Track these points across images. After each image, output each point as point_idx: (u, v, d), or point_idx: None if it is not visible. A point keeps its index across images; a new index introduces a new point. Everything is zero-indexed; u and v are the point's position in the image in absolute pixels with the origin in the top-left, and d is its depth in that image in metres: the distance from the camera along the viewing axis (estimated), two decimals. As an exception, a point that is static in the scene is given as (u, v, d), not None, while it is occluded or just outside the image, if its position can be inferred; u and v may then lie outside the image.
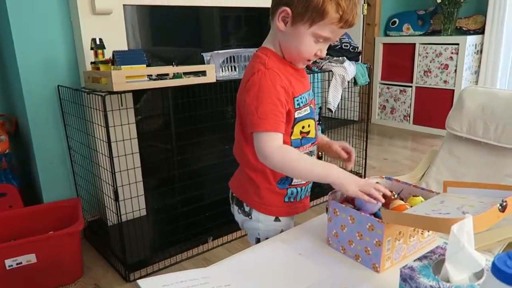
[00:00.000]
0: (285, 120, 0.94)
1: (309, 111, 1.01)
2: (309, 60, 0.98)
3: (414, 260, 0.67)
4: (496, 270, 0.45)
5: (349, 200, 0.98)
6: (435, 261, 0.66)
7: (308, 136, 1.02)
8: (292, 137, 0.99)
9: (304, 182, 1.07)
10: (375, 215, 0.89)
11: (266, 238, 1.07)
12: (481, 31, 3.76)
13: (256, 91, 0.91)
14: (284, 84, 0.93)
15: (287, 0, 0.89)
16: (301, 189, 1.09)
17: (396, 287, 0.68)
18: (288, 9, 0.89)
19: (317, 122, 1.10)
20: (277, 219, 1.07)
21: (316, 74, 2.67)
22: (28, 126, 1.96)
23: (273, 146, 0.91)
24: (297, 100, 0.96)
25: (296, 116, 0.97)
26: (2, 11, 1.86)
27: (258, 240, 1.10)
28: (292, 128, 0.98)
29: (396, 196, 0.98)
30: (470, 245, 0.60)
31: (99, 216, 2.17)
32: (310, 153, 1.06)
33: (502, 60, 3.67)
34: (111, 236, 1.97)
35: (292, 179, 1.04)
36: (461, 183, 0.92)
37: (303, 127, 1.00)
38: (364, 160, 2.73)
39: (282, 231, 1.07)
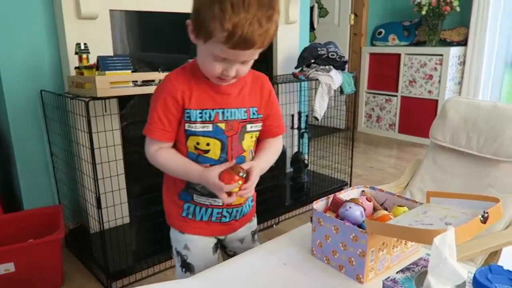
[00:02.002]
0: (176, 129, 0.95)
1: (211, 129, 0.94)
2: (222, 79, 0.90)
3: (397, 272, 0.67)
4: (477, 284, 0.45)
5: (334, 210, 0.98)
6: (417, 273, 0.66)
7: (206, 155, 0.95)
8: (188, 150, 0.96)
9: (209, 204, 1.00)
10: (360, 225, 0.89)
11: (175, 248, 1.06)
12: (464, 42, 3.84)
13: (152, 98, 0.96)
14: (177, 94, 0.91)
15: (191, 13, 0.86)
16: (202, 209, 1.01)
17: (379, 299, 0.68)
18: (190, 23, 0.86)
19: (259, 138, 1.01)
20: (181, 231, 1.04)
21: (302, 82, 2.68)
22: (9, 131, 1.91)
23: (150, 151, 0.96)
24: (188, 113, 0.92)
25: (186, 128, 0.93)
26: (-16, 13, 1.82)
27: (172, 247, 1.08)
28: (186, 139, 0.95)
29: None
30: (452, 257, 0.60)
31: (81, 223, 2.12)
32: None
33: (484, 71, 3.74)
34: (93, 244, 1.93)
35: (192, 195, 1.00)
36: (444, 193, 0.93)
37: (197, 143, 0.94)
38: (350, 168, 2.75)
39: (186, 246, 1.03)
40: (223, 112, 0.95)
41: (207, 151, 0.95)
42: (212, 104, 0.94)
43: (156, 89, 0.96)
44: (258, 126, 1.01)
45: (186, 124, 0.93)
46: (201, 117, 0.93)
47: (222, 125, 0.95)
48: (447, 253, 0.60)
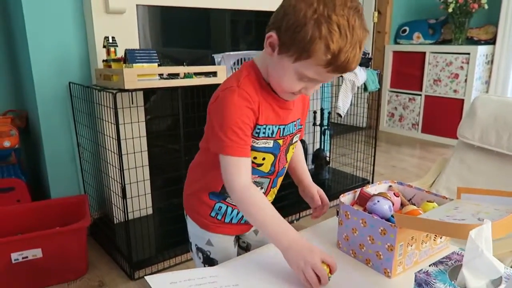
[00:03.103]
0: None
1: (271, 145, 0.90)
2: (294, 94, 0.85)
3: (430, 265, 0.66)
4: (519, 276, 0.43)
5: (361, 204, 0.97)
6: (451, 267, 0.65)
7: (259, 168, 0.92)
8: None
9: None
10: (387, 220, 0.88)
11: (196, 245, 1.03)
12: (492, 41, 3.74)
13: (222, 111, 0.83)
14: (254, 105, 0.84)
15: (278, 25, 0.77)
16: (233, 211, 0.98)
17: (409, 293, 0.67)
18: (276, 36, 0.78)
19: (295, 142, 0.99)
20: (205, 229, 1.01)
21: (326, 79, 2.66)
22: (39, 122, 1.97)
23: (241, 183, 0.83)
24: (258, 129, 0.86)
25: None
26: (17, 8, 1.88)
27: (190, 244, 1.05)
28: None
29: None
30: (489, 251, 0.59)
31: (105, 213, 2.17)
32: (256, 184, 0.94)
33: (513, 71, 3.65)
34: (117, 234, 1.96)
35: (226, 197, 0.96)
36: (476, 189, 0.91)
37: (255, 158, 0.89)
38: (372, 167, 2.72)
39: (209, 241, 1.00)
40: (283, 129, 0.91)
41: (260, 165, 0.92)
42: (276, 119, 0.88)
43: (224, 100, 0.83)
44: (298, 136, 0.99)
45: (251, 140, 0.87)
46: (264, 133, 0.87)
47: (281, 141, 0.92)
48: (484, 247, 0.59)
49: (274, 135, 0.89)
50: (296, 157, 1.06)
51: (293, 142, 0.98)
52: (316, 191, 1.04)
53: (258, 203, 0.84)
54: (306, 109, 1.02)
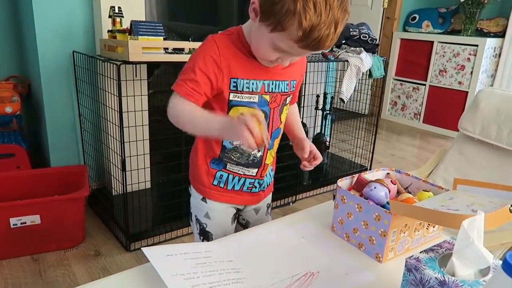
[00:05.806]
0: (210, 95, 0.88)
1: (256, 100, 0.91)
2: (271, 61, 0.87)
3: (420, 252, 0.67)
4: (507, 267, 0.45)
5: (358, 189, 0.98)
6: (441, 255, 0.66)
7: None
8: None
9: (242, 173, 1.01)
10: (383, 206, 0.89)
11: (195, 216, 1.06)
12: (501, 34, 3.69)
13: (191, 56, 0.90)
14: (219, 59, 0.86)
15: None
16: (235, 178, 1.01)
17: (398, 277, 0.69)
18: (258, 3, 0.78)
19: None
20: (203, 199, 1.03)
21: (330, 63, 2.65)
22: (41, 89, 1.96)
23: (174, 100, 0.87)
24: (235, 82, 0.88)
25: (231, 98, 0.90)
26: (23, -29, 1.85)
27: (191, 214, 1.08)
28: (228, 110, 0.91)
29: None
30: (479, 242, 0.60)
31: (104, 184, 2.19)
32: None
33: (520, 66, 3.62)
34: (115, 206, 1.99)
35: (226, 164, 0.99)
36: (472, 181, 0.92)
37: (241, 114, 0.93)
38: (371, 154, 2.73)
39: (207, 215, 1.04)
40: (268, 84, 0.92)
41: None
42: (259, 74, 0.91)
43: (197, 49, 0.90)
44: (290, 97, 1.01)
45: (232, 94, 0.89)
46: (248, 88, 0.90)
47: (267, 97, 0.93)
48: (475, 237, 0.60)
49: (258, 90, 0.91)
50: (290, 115, 1.08)
51: (287, 102, 0.99)
52: (308, 145, 1.03)
53: (189, 109, 0.86)
54: (303, 72, 1.04)
